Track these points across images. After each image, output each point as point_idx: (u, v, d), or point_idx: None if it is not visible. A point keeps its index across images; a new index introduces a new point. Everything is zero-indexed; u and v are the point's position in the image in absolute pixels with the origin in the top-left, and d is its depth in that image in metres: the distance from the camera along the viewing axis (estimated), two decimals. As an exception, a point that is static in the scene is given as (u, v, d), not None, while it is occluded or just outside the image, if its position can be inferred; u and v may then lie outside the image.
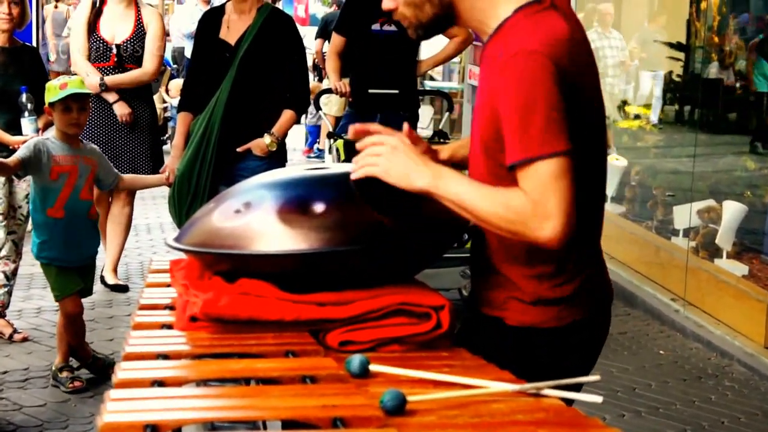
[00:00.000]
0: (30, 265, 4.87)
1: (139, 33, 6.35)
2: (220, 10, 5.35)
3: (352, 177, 2.16)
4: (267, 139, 5.19)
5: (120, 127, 6.29)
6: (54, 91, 4.62)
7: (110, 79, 6.26)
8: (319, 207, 2.09)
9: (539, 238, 2.04)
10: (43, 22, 14.11)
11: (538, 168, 2.03)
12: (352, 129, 2.30)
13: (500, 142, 2.11)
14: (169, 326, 2.10)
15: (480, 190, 2.12)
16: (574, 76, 2.09)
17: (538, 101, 2.02)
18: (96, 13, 6.38)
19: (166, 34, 6.81)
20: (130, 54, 6.32)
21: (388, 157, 2.15)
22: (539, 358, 2.26)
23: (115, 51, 6.29)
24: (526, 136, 2.03)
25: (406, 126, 2.31)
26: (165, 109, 12.72)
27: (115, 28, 6.35)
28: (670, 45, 8.15)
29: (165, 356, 1.90)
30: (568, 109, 2.04)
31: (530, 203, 2.03)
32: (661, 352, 5.83)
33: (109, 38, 6.32)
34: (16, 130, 5.33)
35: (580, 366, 2.32)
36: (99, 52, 6.32)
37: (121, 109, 6.27)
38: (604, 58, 8.66)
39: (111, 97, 6.25)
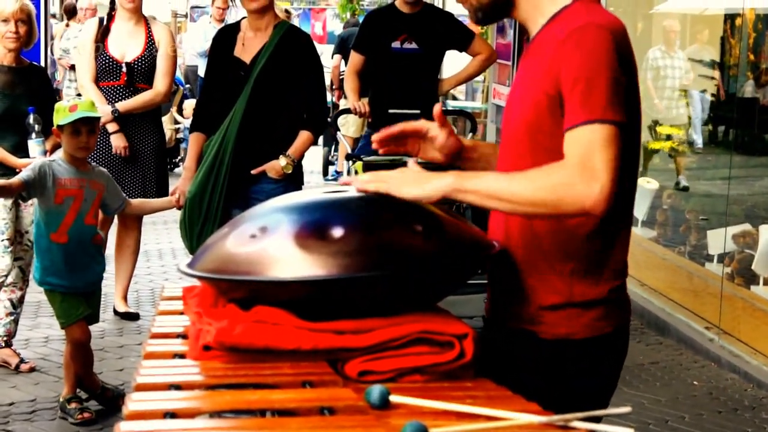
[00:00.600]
0: (37, 293, 4.89)
1: (150, 50, 6.37)
2: (235, 27, 5.37)
3: (356, 186, 2.21)
4: (282, 161, 5.20)
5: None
6: (63, 113, 4.64)
7: (123, 106, 6.24)
8: (337, 232, 2.09)
9: (586, 200, 2.08)
10: (52, 39, 14.20)
11: (594, 130, 2.10)
12: (377, 136, 2.38)
13: (550, 124, 2.19)
14: (182, 356, 2.10)
15: (512, 175, 2.18)
16: (630, 64, 2.19)
17: (605, 69, 2.12)
18: (104, 31, 6.39)
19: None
20: (142, 72, 6.34)
21: (399, 176, 2.21)
22: (570, 373, 2.28)
23: (125, 69, 6.31)
24: (591, 99, 2.11)
25: (438, 106, 2.45)
26: (177, 130, 12.78)
27: (125, 45, 6.36)
28: (703, 63, 8.15)
29: (177, 387, 1.90)
30: (624, 87, 2.15)
31: (577, 165, 2.09)
32: (695, 382, 5.80)
33: (118, 56, 6.33)
34: (24, 152, 5.36)
35: (606, 387, 2.35)
36: (108, 71, 6.32)
37: (117, 142, 6.23)
38: (664, 79, 8.60)
39: (111, 126, 6.22)
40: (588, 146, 2.09)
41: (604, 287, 2.30)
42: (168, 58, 6.41)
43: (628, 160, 2.23)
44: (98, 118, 4.83)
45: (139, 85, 6.34)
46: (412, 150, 2.51)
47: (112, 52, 6.34)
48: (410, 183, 2.19)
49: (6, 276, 5.48)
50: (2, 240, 5.46)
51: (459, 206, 5.02)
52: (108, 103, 6.20)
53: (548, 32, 2.28)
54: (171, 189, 5.25)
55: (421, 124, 2.47)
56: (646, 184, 7.90)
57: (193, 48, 13.60)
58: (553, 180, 2.10)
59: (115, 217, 5.94)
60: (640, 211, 7.83)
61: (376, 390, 1.87)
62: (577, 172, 2.08)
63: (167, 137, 12.68)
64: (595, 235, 2.26)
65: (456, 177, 2.17)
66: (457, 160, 2.51)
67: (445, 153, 2.48)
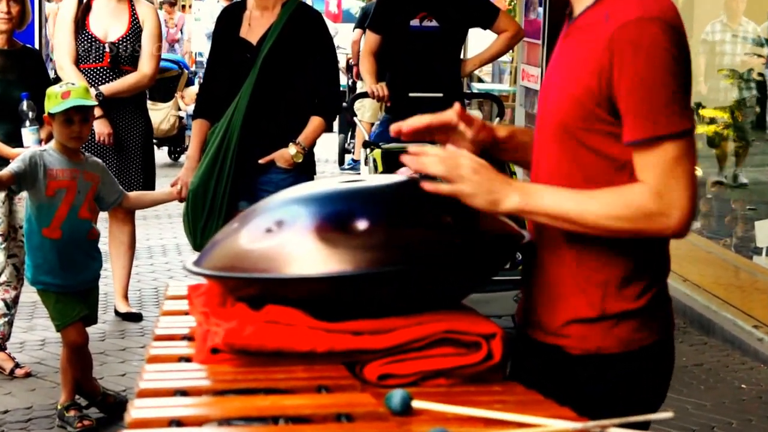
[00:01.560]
0: (33, 292, 4.91)
1: (134, 30, 6.36)
2: (240, 6, 5.36)
3: (428, 188, 2.17)
4: (292, 149, 5.20)
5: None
6: (55, 99, 4.63)
7: (107, 88, 6.24)
8: (361, 224, 2.09)
9: (665, 231, 2.15)
10: (46, 20, 14.24)
11: (665, 150, 2.12)
12: (397, 126, 2.35)
13: (590, 121, 2.19)
14: (188, 359, 2.11)
15: (583, 195, 2.18)
16: (687, 54, 2.17)
17: (667, 72, 2.11)
18: (84, 9, 6.37)
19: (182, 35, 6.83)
20: (127, 53, 6.34)
21: (472, 179, 2.17)
22: (606, 391, 2.26)
23: (108, 50, 6.30)
24: (656, 109, 2.12)
25: (457, 105, 2.40)
26: (181, 118, 12.80)
27: (108, 25, 6.35)
28: (751, 40, 8.11)
29: (183, 392, 1.90)
30: (686, 82, 2.15)
31: (655, 196, 2.13)
32: (742, 386, 5.78)
33: (101, 36, 6.32)
34: (17, 141, 5.38)
35: (651, 400, 2.32)
36: (90, 52, 6.30)
37: (101, 128, 6.22)
38: (716, 56, 8.52)
39: (95, 111, 6.18)
40: (662, 170, 2.13)
41: (642, 295, 2.28)
42: (153, 38, 6.41)
43: None
44: (93, 107, 4.82)
45: (124, 67, 6.34)
46: (439, 141, 2.49)
47: (94, 31, 6.31)
48: (482, 194, 2.17)
49: (0, 274, 5.51)
50: (-5, 236, 5.48)
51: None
52: (91, 87, 6.18)
53: (594, 14, 2.23)
54: (172, 180, 5.23)
55: (450, 117, 2.42)
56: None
57: (204, 30, 13.62)
58: (631, 212, 2.14)
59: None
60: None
61: (397, 395, 1.87)
62: (654, 202, 2.13)
63: (170, 124, 12.76)
64: (629, 241, 2.25)
65: (521, 196, 2.18)
66: (491, 151, 2.49)
67: (477, 145, 2.45)
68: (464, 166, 2.18)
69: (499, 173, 2.21)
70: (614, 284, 2.27)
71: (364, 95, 6.77)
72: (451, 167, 2.18)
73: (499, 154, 2.51)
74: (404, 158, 2.22)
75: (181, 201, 5.18)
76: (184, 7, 20.84)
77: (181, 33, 18.31)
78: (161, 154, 12.33)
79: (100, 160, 4.98)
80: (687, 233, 2.17)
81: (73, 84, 4.79)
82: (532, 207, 2.18)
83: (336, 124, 12.92)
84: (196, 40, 14.64)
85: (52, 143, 4.76)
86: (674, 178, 2.12)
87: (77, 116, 4.65)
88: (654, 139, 2.12)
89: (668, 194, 2.12)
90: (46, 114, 4.71)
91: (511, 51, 8.38)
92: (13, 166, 4.62)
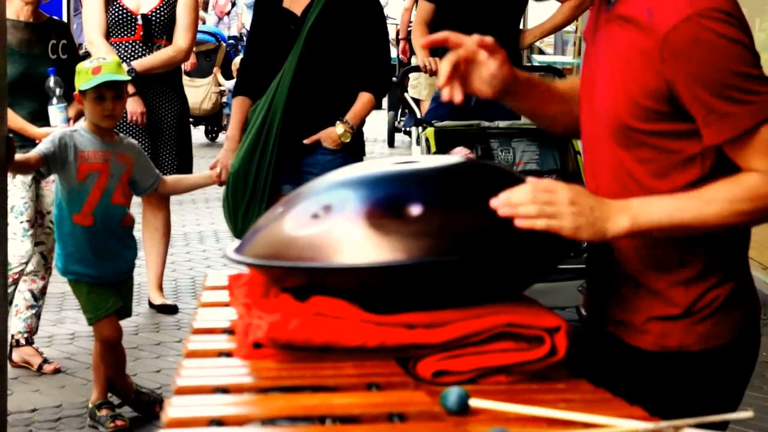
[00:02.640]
0: (62, 282, 4.96)
1: (168, 1, 6.39)
2: (284, -25, 5.37)
3: (522, 225, 2.12)
4: (340, 128, 5.20)
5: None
6: (85, 75, 4.65)
7: (140, 64, 6.27)
8: (415, 209, 2.09)
9: None
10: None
11: (762, 134, 2.14)
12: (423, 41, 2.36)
13: (652, 121, 2.20)
14: (229, 354, 2.12)
15: (693, 198, 2.19)
16: (747, 28, 2.17)
17: (735, 62, 2.12)
18: None
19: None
20: (160, 26, 6.36)
21: (570, 211, 2.15)
22: (681, 390, 2.26)
23: (141, 22, 6.32)
24: (739, 104, 2.12)
25: (476, 36, 2.38)
26: (221, 94, 12.84)
27: None
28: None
29: (224, 390, 1.92)
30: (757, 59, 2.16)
31: None
32: (828, 384, 5.74)
33: (133, 7, 6.35)
34: (44, 120, 5.42)
35: (728, 399, 2.32)
36: (122, 25, 6.34)
37: (134, 107, 6.26)
38: None
39: (128, 88, 6.21)
40: None
41: (723, 288, 2.28)
42: (189, 10, 6.41)
43: None
44: (126, 82, 4.84)
45: (158, 41, 6.37)
46: (462, 80, 2.42)
47: (126, 3, 6.35)
48: (586, 226, 2.15)
49: (26, 263, 5.54)
50: (21, 222, 5.52)
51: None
52: (122, 62, 6.21)
53: (634, 8, 2.23)
54: (211, 162, 5.25)
55: (472, 45, 2.39)
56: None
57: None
58: (756, 202, 2.16)
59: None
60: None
61: (453, 393, 1.87)
62: None
63: (211, 102, 12.81)
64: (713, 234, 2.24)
65: (628, 217, 2.17)
66: (507, 95, 2.45)
67: (495, 84, 2.39)
68: (559, 201, 2.14)
69: (596, 197, 2.20)
70: (694, 279, 2.27)
71: (416, 69, 6.76)
72: (545, 204, 2.14)
73: (513, 100, 2.49)
74: (492, 203, 2.16)
75: (220, 185, 5.19)
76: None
77: (233, 4, 18.19)
78: (198, 134, 12.38)
79: (135, 141, 5.00)
80: None
81: (104, 59, 4.80)
82: (643, 225, 2.17)
83: (385, 101, 12.94)
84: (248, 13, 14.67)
85: (83, 123, 4.79)
86: None
87: (109, 93, 4.66)
88: (751, 129, 2.13)
89: None
90: (76, 91, 4.72)
91: (575, 21, 8.31)
92: (42, 148, 4.63)
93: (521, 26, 7.09)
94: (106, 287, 4.78)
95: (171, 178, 5.26)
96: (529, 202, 2.11)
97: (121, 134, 4.96)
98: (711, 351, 2.29)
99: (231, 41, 15.19)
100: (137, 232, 5.89)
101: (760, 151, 2.14)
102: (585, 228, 2.15)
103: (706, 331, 2.28)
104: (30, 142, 5.26)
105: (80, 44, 7.90)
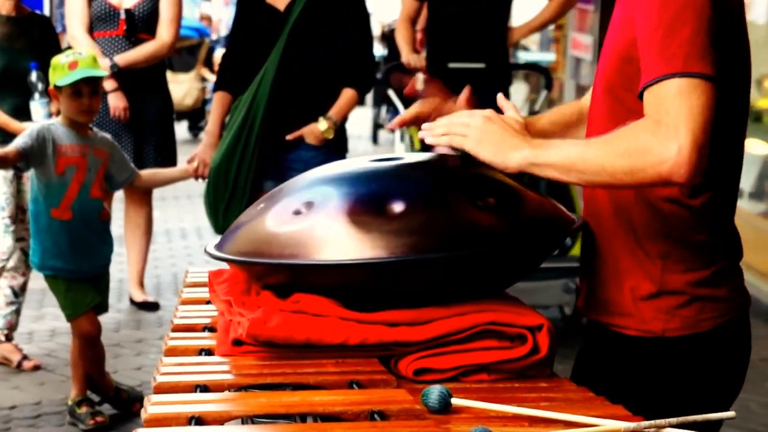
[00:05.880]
0: (42, 279, 4.94)
1: None
2: (267, -30, 5.37)
3: (428, 141, 2.20)
4: (323, 124, 5.20)
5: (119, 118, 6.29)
6: (61, 70, 4.62)
7: (122, 59, 6.23)
8: (398, 206, 2.10)
9: (662, 165, 2.02)
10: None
11: (672, 84, 2.04)
12: (394, 122, 2.37)
13: (633, 80, 2.14)
14: (209, 351, 2.12)
15: (589, 140, 2.17)
16: (729, 3, 2.14)
17: (687, 15, 2.07)
18: None
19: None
20: (144, 20, 6.34)
21: (480, 128, 2.19)
22: (673, 381, 2.26)
23: (124, 16, 6.30)
24: (668, 52, 2.06)
25: (467, 90, 2.45)
26: (204, 90, 12.82)
27: None
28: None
29: (204, 388, 1.92)
30: (718, 37, 2.08)
31: (651, 124, 2.04)
32: (812, 384, 5.75)
33: (115, 2, 6.31)
34: (26, 115, 5.40)
35: (719, 394, 2.31)
36: (104, 18, 6.30)
37: (116, 102, 6.23)
38: None
39: (109, 84, 6.15)
40: (667, 101, 2.04)
41: (709, 271, 2.27)
42: (173, 4, 6.38)
43: (730, 121, 2.20)
44: (102, 77, 4.81)
45: (141, 35, 6.35)
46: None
47: None
48: (490, 142, 2.17)
49: (7, 260, 5.54)
50: (2, 218, 5.52)
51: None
52: (105, 56, 6.20)
53: None
54: (189, 156, 5.23)
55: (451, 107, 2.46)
56: (754, 150, 7.83)
57: None
58: (627, 144, 2.07)
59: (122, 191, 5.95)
60: (746, 181, 7.76)
61: (435, 391, 1.87)
62: (651, 131, 2.04)
63: (193, 98, 12.81)
64: (690, 208, 2.23)
65: (531, 148, 2.15)
66: None
67: None
68: (472, 124, 2.20)
69: (516, 128, 2.21)
70: (675, 256, 2.25)
71: (400, 66, 6.76)
72: (458, 126, 2.21)
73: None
74: (421, 134, 2.24)
75: (197, 179, 5.18)
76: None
77: None
78: (180, 130, 12.35)
79: (109, 135, 4.97)
80: (687, 178, 2.02)
81: (80, 53, 4.77)
82: (541, 159, 2.15)
83: (369, 98, 12.94)
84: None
85: (59, 118, 4.77)
86: (678, 107, 2.02)
87: (86, 88, 4.63)
88: (665, 77, 2.05)
89: (667, 121, 2.02)
90: (51, 86, 4.70)
91: (562, 17, 8.31)
92: (19, 142, 4.59)
93: (508, 23, 7.09)
94: (84, 282, 4.76)
95: (146, 173, 5.22)
96: (443, 125, 2.22)
97: (95, 129, 4.93)
98: (695, 337, 2.26)
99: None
100: (119, 229, 5.88)
101: (659, 98, 2.05)
102: (487, 148, 2.17)
103: (691, 314, 2.26)
104: (12, 138, 5.22)
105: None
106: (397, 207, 2.10)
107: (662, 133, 2.02)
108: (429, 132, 2.25)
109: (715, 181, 2.20)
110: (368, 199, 2.13)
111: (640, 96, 2.10)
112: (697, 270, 2.26)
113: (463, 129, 2.20)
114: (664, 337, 2.26)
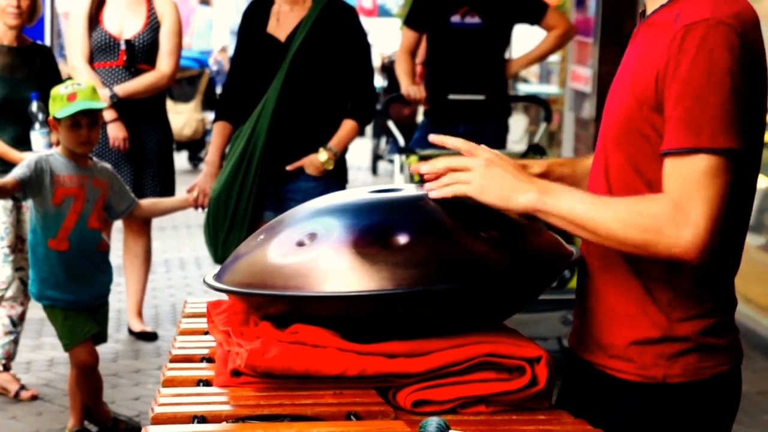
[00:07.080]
0: (41, 308, 4.94)
1: (152, 26, 6.37)
2: (268, 0, 5.39)
3: (433, 195, 2.18)
4: (323, 155, 5.21)
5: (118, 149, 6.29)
6: (60, 102, 4.62)
7: (122, 89, 6.24)
8: (402, 238, 2.10)
9: (675, 248, 2.06)
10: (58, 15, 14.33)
11: (697, 162, 2.06)
12: (433, 139, 2.34)
13: (649, 125, 2.14)
14: (207, 382, 2.12)
15: (600, 200, 2.16)
16: (757, 70, 2.13)
17: (718, 83, 2.05)
18: (98, 4, 6.38)
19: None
20: (143, 51, 6.36)
21: (482, 173, 2.18)
22: (667, 424, 2.25)
23: (124, 47, 6.32)
24: (699, 120, 2.06)
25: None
26: (203, 120, 12.83)
27: (123, 20, 6.36)
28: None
29: (202, 419, 1.91)
30: (746, 100, 2.08)
31: (672, 206, 2.06)
32: (811, 417, 5.73)
33: (116, 32, 6.34)
34: (26, 145, 5.40)
35: None
36: (104, 50, 6.32)
37: (116, 132, 6.23)
38: None
39: (108, 114, 6.14)
40: (688, 181, 2.06)
41: (713, 320, 2.26)
42: (173, 35, 6.40)
43: (744, 184, 2.20)
44: (101, 109, 4.81)
45: (141, 66, 6.36)
46: None
47: (109, 28, 6.33)
48: (494, 188, 2.17)
49: (6, 289, 5.53)
50: (2, 248, 5.51)
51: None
52: (104, 87, 6.22)
53: (666, 14, 2.20)
54: (188, 186, 5.24)
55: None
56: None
57: (228, 26, 13.68)
58: (643, 220, 2.08)
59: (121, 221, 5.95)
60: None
61: (433, 423, 1.87)
62: (669, 213, 2.06)
63: (192, 129, 12.81)
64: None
65: (539, 193, 2.16)
66: None
67: None
68: (474, 166, 2.19)
69: (518, 168, 2.21)
70: (683, 303, 2.24)
71: (400, 98, 6.78)
72: (459, 171, 2.20)
73: None
74: (418, 169, 2.24)
75: (196, 208, 5.18)
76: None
77: None
78: (180, 160, 12.36)
79: (109, 165, 4.97)
80: (698, 260, 2.07)
81: (79, 84, 4.78)
82: (548, 207, 2.15)
83: (369, 129, 12.96)
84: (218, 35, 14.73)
85: (59, 148, 4.77)
86: (699, 192, 2.05)
87: (85, 120, 4.63)
88: (689, 150, 2.06)
89: (687, 206, 2.05)
90: (50, 117, 4.70)
91: (560, 49, 8.33)
92: (17, 172, 4.60)
93: (507, 55, 7.11)
94: (81, 312, 4.76)
95: (146, 202, 5.23)
96: (443, 169, 2.21)
97: (95, 158, 4.94)
98: (694, 384, 2.26)
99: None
100: (118, 258, 5.87)
101: (681, 175, 2.06)
102: (491, 191, 2.17)
103: (692, 362, 2.25)
104: (12, 167, 5.21)
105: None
106: (401, 239, 2.10)
107: (680, 219, 2.05)
108: (430, 185, 2.22)
109: (728, 242, 2.19)
110: (372, 230, 2.13)
111: (664, 154, 2.10)
112: (703, 317, 2.25)
113: (465, 176, 2.19)
114: (664, 383, 2.26)
